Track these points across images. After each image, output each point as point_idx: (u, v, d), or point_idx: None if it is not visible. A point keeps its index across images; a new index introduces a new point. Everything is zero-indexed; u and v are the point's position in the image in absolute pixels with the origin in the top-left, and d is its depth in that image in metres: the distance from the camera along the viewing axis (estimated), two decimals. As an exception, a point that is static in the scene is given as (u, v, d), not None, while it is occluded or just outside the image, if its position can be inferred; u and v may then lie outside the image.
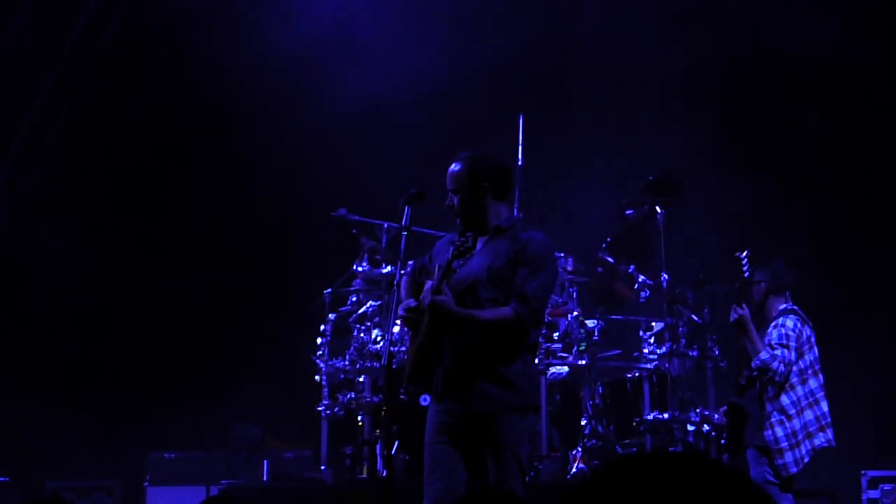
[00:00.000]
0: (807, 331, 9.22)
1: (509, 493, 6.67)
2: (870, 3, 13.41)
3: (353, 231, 11.36)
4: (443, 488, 6.85)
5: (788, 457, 8.97)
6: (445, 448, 6.96)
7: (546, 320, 10.60)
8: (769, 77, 13.83)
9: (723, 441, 9.54)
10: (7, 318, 13.94)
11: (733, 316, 9.16)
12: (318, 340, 11.31)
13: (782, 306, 9.33)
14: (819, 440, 9.08)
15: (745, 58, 13.82)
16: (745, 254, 9.25)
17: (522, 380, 6.97)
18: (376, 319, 11.13)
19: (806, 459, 9.00)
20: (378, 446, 10.79)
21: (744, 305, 9.15)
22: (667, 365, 10.90)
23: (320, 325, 11.37)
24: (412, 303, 7.10)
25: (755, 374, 9.09)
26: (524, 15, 14.14)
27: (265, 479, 12.04)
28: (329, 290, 11.51)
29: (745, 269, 9.20)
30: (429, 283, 6.95)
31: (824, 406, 9.17)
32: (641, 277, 11.27)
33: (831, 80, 13.39)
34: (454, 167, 7.15)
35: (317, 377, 11.31)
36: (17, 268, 14.07)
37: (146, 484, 12.39)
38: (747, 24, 13.87)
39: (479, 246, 7.10)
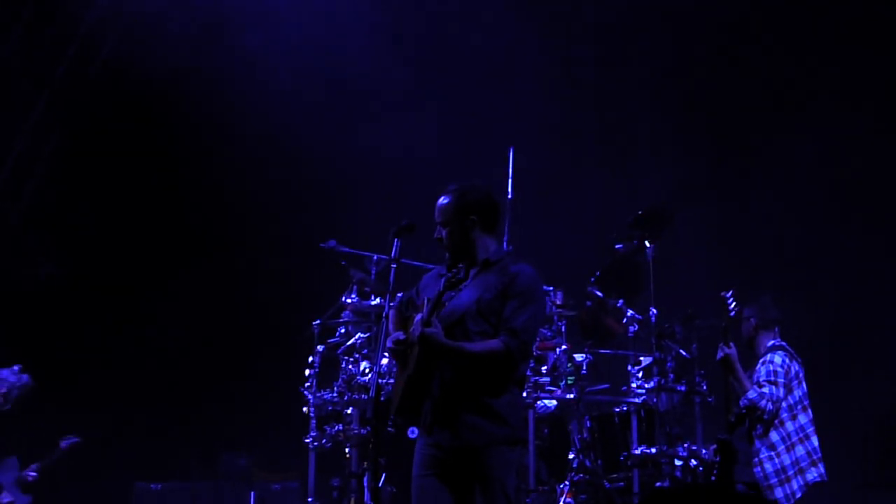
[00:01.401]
0: (795, 366, 9.23)
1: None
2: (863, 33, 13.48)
3: (343, 262, 11.35)
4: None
5: (778, 493, 8.97)
6: (433, 481, 6.94)
7: (534, 354, 10.60)
8: (759, 111, 13.89)
9: (713, 478, 9.51)
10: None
11: (720, 355, 9.18)
12: (307, 372, 11.27)
13: (770, 342, 9.35)
14: (811, 475, 9.09)
15: (734, 92, 13.88)
16: (730, 293, 9.27)
17: (511, 413, 6.96)
18: (365, 351, 11.10)
19: (798, 495, 9.00)
20: (365, 478, 10.74)
21: (731, 344, 9.17)
22: (655, 399, 10.89)
23: (308, 356, 11.33)
24: (401, 335, 7.09)
25: (743, 411, 9.10)
26: (514, 46, 14.18)
27: (252, 510, 12.01)
28: (318, 321, 11.49)
29: (730, 308, 9.22)
30: (418, 316, 6.94)
31: (815, 441, 9.18)
32: (630, 312, 11.26)
33: (821, 111, 13.44)
34: (442, 200, 7.15)
35: (304, 409, 11.27)
36: (5, 292, 14.04)
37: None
38: (737, 58, 13.93)
39: (468, 279, 7.10)
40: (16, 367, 11.19)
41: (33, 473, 11.21)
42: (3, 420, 11.10)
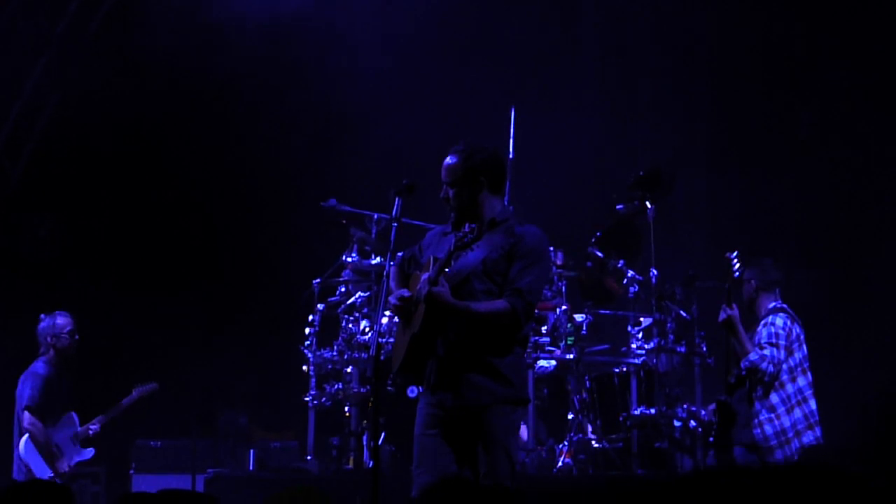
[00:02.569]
0: (796, 329, 9.23)
1: (498, 485, 6.66)
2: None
3: (343, 221, 11.34)
4: (431, 480, 6.84)
5: (778, 454, 8.99)
6: (435, 440, 6.95)
7: (535, 314, 10.60)
8: (760, 74, 13.84)
9: (711, 439, 9.53)
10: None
11: (722, 316, 9.18)
12: (307, 331, 11.29)
13: (772, 304, 9.34)
14: (807, 438, 9.10)
15: (736, 55, 13.83)
16: (734, 254, 9.26)
17: (514, 373, 6.96)
18: (365, 310, 11.12)
19: (795, 458, 9.01)
20: (364, 437, 10.78)
21: (733, 305, 9.16)
22: (654, 360, 10.90)
23: (308, 315, 11.35)
24: (405, 292, 7.08)
25: (744, 373, 9.11)
26: (517, 7, 14.13)
27: (251, 468, 12.03)
28: (318, 280, 11.49)
29: (734, 269, 9.21)
30: (424, 275, 6.92)
31: (812, 404, 9.19)
32: (630, 273, 11.26)
33: (823, 76, 13.39)
34: (450, 160, 7.11)
35: (304, 367, 11.30)
36: (3, 255, 14.04)
37: (131, 471, 12.38)
38: (740, 21, 13.87)
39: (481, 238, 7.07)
40: (55, 314, 11.09)
41: (96, 426, 11.16)
42: (60, 374, 11.03)
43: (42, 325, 10.98)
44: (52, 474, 10.68)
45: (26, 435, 10.68)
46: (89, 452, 11.13)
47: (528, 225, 7.17)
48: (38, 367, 10.87)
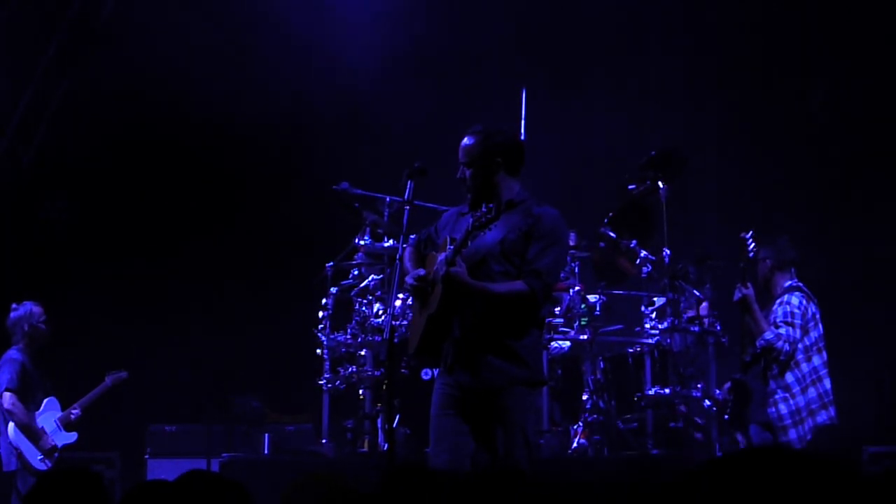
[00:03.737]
0: (812, 308, 9.22)
1: (515, 470, 6.67)
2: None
3: (356, 205, 11.32)
4: (448, 460, 6.85)
5: (792, 434, 8.99)
6: (452, 420, 6.96)
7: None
8: (771, 51, 13.81)
9: (726, 417, 9.54)
10: (6, 291, 13.92)
11: (737, 295, 9.17)
12: (320, 314, 11.29)
13: (787, 283, 9.33)
14: (821, 417, 9.10)
15: (748, 32, 13.80)
16: (749, 234, 9.25)
17: (531, 355, 6.97)
18: (378, 293, 11.11)
19: (809, 437, 9.01)
20: (379, 420, 10.77)
21: (748, 285, 9.15)
22: (668, 340, 10.89)
23: (322, 298, 11.34)
24: (422, 272, 7.08)
25: (759, 352, 9.10)
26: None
27: (266, 452, 12.05)
28: (331, 263, 11.48)
29: (749, 248, 9.20)
30: (441, 255, 6.92)
31: (827, 383, 9.19)
32: (643, 252, 11.24)
33: (835, 52, 13.36)
34: (467, 141, 7.11)
35: (318, 351, 11.29)
36: (16, 239, 14.05)
37: (146, 456, 12.40)
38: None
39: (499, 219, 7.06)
40: (25, 304, 11.15)
41: (76, 411, 11.20)
42: (40, 359, 11.08)
43: (17, 313, 11.04)
44: (40, 455, 10.73)
45: (12, 422, 10.73)
46: (73, 436, 11.17)
47: (545, 206, 7.16)
48: (14, 353, 10.94)
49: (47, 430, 10.94)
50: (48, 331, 11.11)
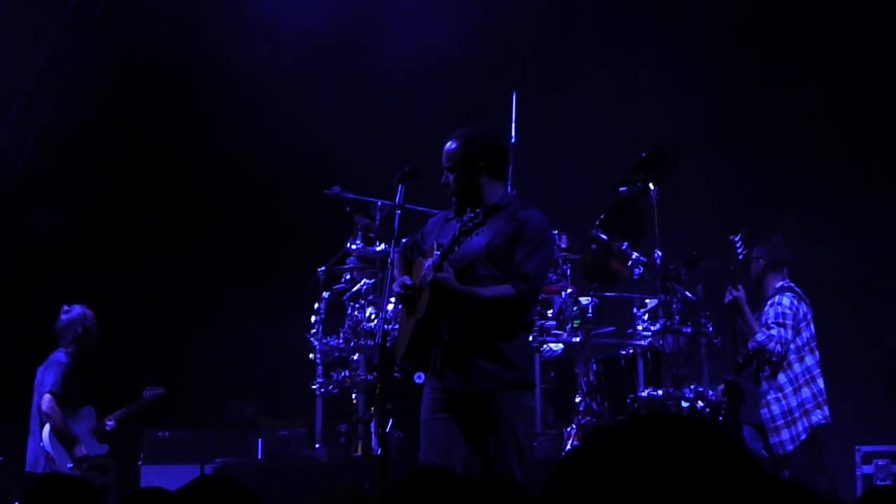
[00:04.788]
0: (803, 308, 9.23)
1: (504, 480, 6.67)
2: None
3: (347, 209, 11.33)
4: (439, 465, 6.84)
5: (784, 434, 8.99)
6: (443, 424, 6.97)
7: (540, 298, 10.60)
8: (763, 49, 13.82)
9: (720, 419, 9.55)
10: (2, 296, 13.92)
11: (728, 298, 9.18)
12: (313, 318, 11.29)
13: (779, 283, 9.34)
14: (816, 417, 9.10)
15: (738, 28, 13.80)
16: (738, 236, 9.26)
17: (520, 357, 6.98)
18: (370, 297, 11.11)
19: (803, 437, 9.02)
20: (372, 424, 10.79)
21: (739, 287, 9.16)
22: (661, 342, 10.89)
23: (314, 303, 11.34)
24: (408, 280, 7.09)
25: (751, 354, 9.11)
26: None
27: (260, 457, 12.03)
28: (323, 268, 11.49)
29: (739, 251, 9.22)
30: (428, 261, 6.93)
31: (821, 383, 9.19)
32: (635, 254, 11.24)
33: (828, 48, 13.37)
34: (449, 145, 7.12)
35: (311, 355, 11.29)
36: (8, 242, 14.03)
37: (140, 463, 12.38)
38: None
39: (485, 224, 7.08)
40: (76, 307, 11.15)
41: (111, 423, 11.21)
42: (80, 366, 11.07)
43: (69, 316, 11.04)
44: (70, 464, 10.70)
45: (49, 424, 10.71)
46: (104, 448, 11.17)
47: (530, 209, 7.17)
48: (60, 356, 10.92)
49: (82, 439, 10.92)
50: (99, 335, 11.09)
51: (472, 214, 6.72)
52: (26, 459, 10.92)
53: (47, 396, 10.67)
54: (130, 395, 11.67)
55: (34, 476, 10.74)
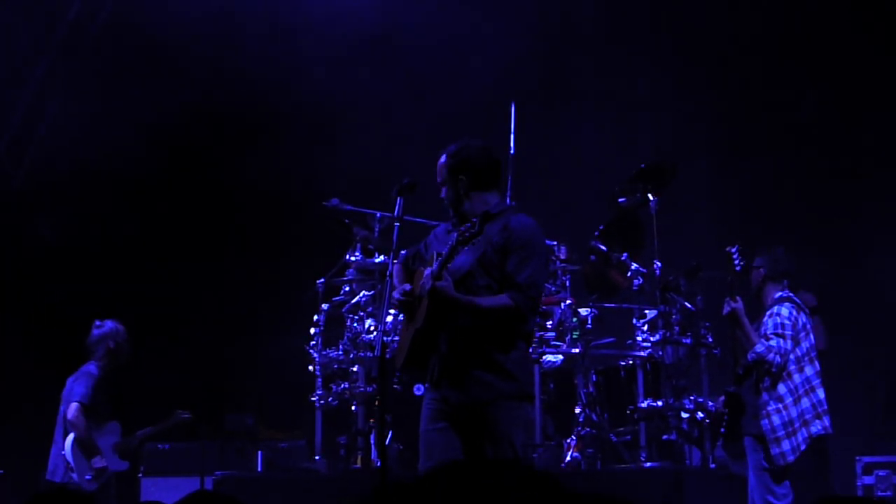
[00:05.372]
0: (802, 318, 9.22)
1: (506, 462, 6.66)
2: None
3: (346, 221, 11.33)
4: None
5: (785, 445, 8.97)
6: (441, 435, 6.97)
7: (540, 309, 10.59)
8: (762, 60, 13.83)
9: (722, 430, 9.53)
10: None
11: (726, 309, 9.17)
12: (312, 330, 11.28)
13: (778, 294, 9.32)
14: (816, 428, 9.08)
15: (736, 41, 13.82)
16: (735, 248, 9.26)
17: (518, 368, 6.98)
18: (370, 309, 11.10)
19: (803, 447, 9.00)
20: (372, 436, 10.77)
21: (737, 298, 9.16)
22: (660, 352, 10.88)
23: (313, 315, 11.34)
24: (408, 287, 7.11)
25: (751, 365, 9.09)
26: (517, 2, 14.11)
27: (259, 469, 12.03)
28: (322, 280, 11.48)
29: (736, 262, 9.22)
30: (427, 270, 6.95)
31: (821, 393, 9.17)
32: (634, 265, 11.24)
33: (826, 62, 13.38)
34: (440, 160, 7.25)
35: (310, 367, 11.29)
36: (6, 258, 14.04)
37: (140, 475, 12.37)
38: (738, 5, 13.87)
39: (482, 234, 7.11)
40: (108, 322, 11.18)
41: (135, 441, 11.24)
42: (109, 381, 11.08)
43: (101, 331, 11.08)
44: (90, 476, 10.68)
45: (73, 433, 10.70)
46: (125, 465, 11.18)
47: (520, 216, 7.21)
48: (91, 368, 10.97)
49: (104, 453, 10.90)
50: (130, 350, 11.13)
51: (469, 225, 6.76)
52: (47, 466, 10.92)
53: (74, 405, 10.69)
54: (129, 405, 11.66)
55: (51, 483, 10.75)
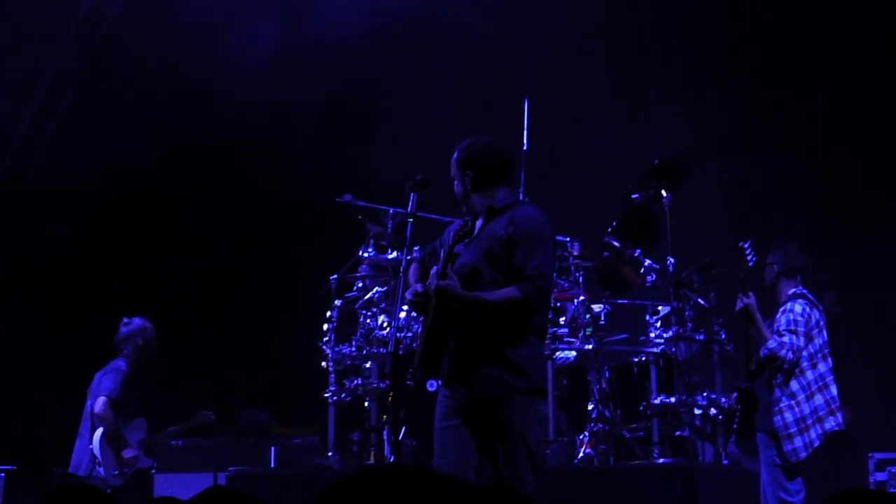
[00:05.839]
0: (815, 315, 9.19)
1: (510, 490, 6.65)
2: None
3: (359, 217, 11.33)
4: (453, 472, 6.82)
5: (798, 441, 8.95)
6: (455, 432, 6.97)
7: (553, 305, 10.59)
8: (775, 58, 13.82)
9: (734, 426, 9.51)
10: (9, 308, 13.94)
11: (739, 305, 9.14)
12: (325, 327, 11.29)
13: (791, 290, 9.29)
14: (829, 424, 9.06)
15: (748, 38, 13.81)
16: (748, 243, 9.23)
17: (529, 364, 6.96)
18: (382, 305, 11.11)
19: (816, 444, 8.97)
20: (385, 432, 10.78)
21: (750, 294, 9.13)
22: (673, 349, 10.88)
23: (326, 311, 11.35)
24: (419, 287, 7.12)
25: (763, 361, 9.07)
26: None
27: (272, 465, 12.04)
28: (335, 276, 11.49)
29: (749, 257, 9.19)
30: (434, 269, 6.97)
31: (833, 390, 9.14)
32: (647, 261, 11.24)
33: (838, 59, 13.36)
34: (453, 155, 7.26)
35: (323, 363, 11.30)
36: (17, 255, 14.07)
37: (153, 471, 12.39)
38: (750, 4, 13.86)
39: (477, 230, 7.13)
40: (136, 319, 11.21)
41: (161, 439, 11.28)
42: (137, 377, 11.11)
43: (129, 328, 11.12)
44: (116, 471, 10.71)
45: (101, 428, 10.72)
46: (149, 462, 11.21)
47: (526, 208, 7.24)
48: (120, 364, 11.01)
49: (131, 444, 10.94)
50: (157, 347, 11.18)
51: (461, 223, 6.82)
52: (71, 461, 10.95)
53: (102, 399, 10.73)
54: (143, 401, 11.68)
55: (75, 478, 10.78)
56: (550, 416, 10.58)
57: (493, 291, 6.93)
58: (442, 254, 7.16)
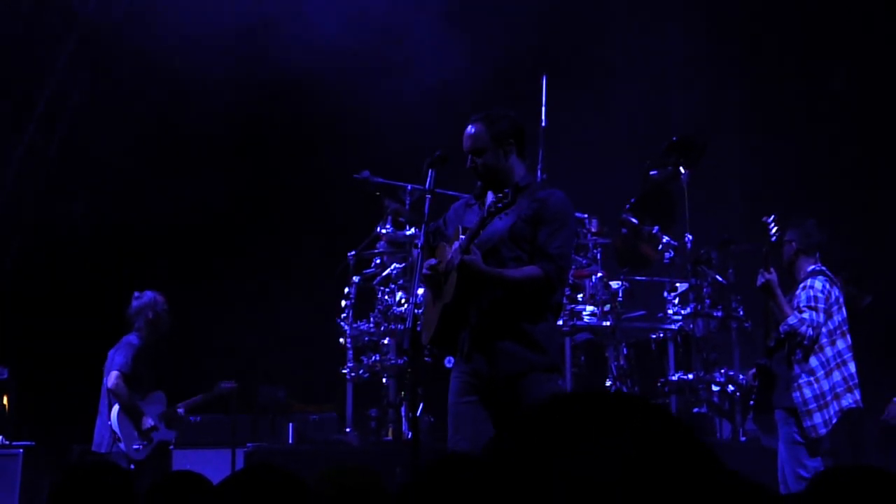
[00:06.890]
0: (835, 291, 9.16)
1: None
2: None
3: (377, 193, 11.33)
4: (468, 449, 6.84)
5: (817, 418, 8.93)
6: (470, 408, 6.97)
7: (571, 282, 10.59)
8: (793, 35, 13.76)
9: (751, 402, 9.50)
10: (31, 285, 13.96)
11: (760, 280, 9.11)
12: (343, 303, 11.30)
13: (811, 267, 9.26)
14: (847, 401, 9.04)
15: (767, 14, 13.75)
16: (771, 218, 9.20)
17: (547, 340, 6.96)
18: (400, 282, 11.11)
19: (834, 420, 8.96)
20: (403, 408, 10.79)
21: (771, 269, 9.10)
22: (691, 325, 10.88)
23: (344, 287, 11.36)
24: (433, 261, 7.10)
25: (783, 337, 9.05)
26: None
27: (290, 441, 12.06)
28: (353, 252, 11.50)
29: (771, 233, 9.15)
30: (455, 244, 6.93)
31: (852, 367, 9.12)
32: (665, 238, 11.24)
33: (856, 36, 13.30)
34: (472, 129, 7.11)
35: (341, 340, 11.31)
36: (39, 234, 14.09)
37: (171, 447, 12.42)
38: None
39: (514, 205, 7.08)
40: (147, 292, 11.21)
41: (181, 410, 11.29)
42: (151, 351, 11.12)
43: (141, 302, 11.09)
44: (137, 445, 10.75)
45: (117, 403, 10.75)
46: (172, 434, 11.23)
47: (549, 188, 7.20)
48: (132, 338, 10.99)
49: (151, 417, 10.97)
50: (170, 320, 11.18)
51: (501, 195, 6.71)
52: (93, 438, 10.98)
53: (114, 373, 10.74)
54: (161, 377, 11.70)
55: (96, 454, 10.82)
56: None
57: (515, 269, 6.92)
58: (451, 231, 7.14)
